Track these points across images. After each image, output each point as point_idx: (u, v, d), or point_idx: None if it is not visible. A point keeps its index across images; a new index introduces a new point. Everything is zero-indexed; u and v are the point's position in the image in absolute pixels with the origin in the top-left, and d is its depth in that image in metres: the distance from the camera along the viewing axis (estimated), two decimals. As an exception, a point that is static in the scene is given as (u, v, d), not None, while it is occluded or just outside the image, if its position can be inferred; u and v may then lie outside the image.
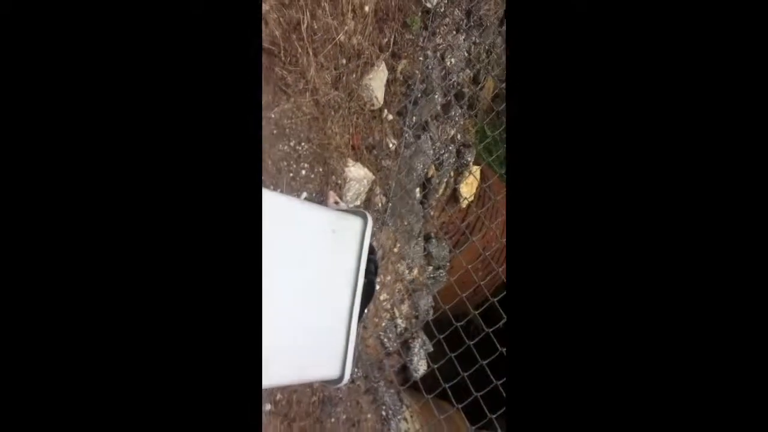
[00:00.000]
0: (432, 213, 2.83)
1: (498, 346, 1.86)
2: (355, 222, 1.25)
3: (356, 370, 2.09)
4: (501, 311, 1.85)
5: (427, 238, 2.76)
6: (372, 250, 1.71)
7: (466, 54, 2.83)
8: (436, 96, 2.55)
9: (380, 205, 2.17)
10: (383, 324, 2.33)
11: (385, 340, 2.36)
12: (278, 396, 1.59)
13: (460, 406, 2.05)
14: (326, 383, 1.20)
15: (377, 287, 2.14)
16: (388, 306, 2.39)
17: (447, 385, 2.16)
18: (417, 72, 2.24)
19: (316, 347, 1.12)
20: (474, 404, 1.99)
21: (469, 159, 2.98)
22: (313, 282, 1.11)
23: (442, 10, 2.45)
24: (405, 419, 2.57)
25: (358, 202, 1.94)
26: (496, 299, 1.87)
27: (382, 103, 1.93)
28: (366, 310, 1.82)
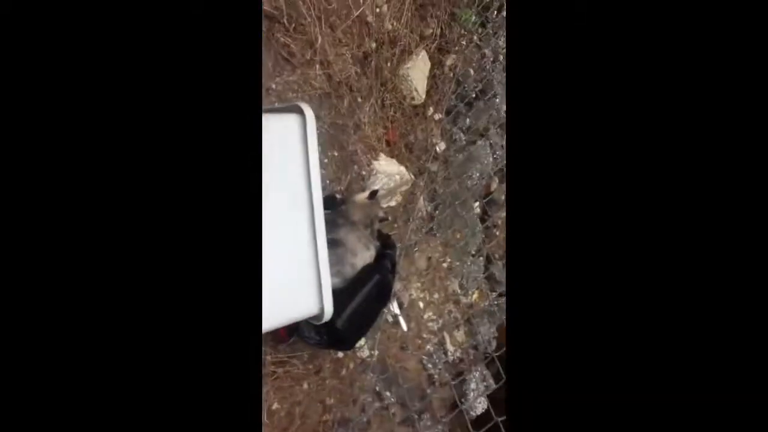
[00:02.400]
0: (497, 232, 2.52)
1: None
2: (287, 122, 0.94)
3: (389, 394, 1.83)
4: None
5: (489, 259, 2.45)
6: (389, 244, 1.49)
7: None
8: (497, 101, 2.31)
9: (424, 211, 1.95)
10: (427, 348, 2.05)
11: (430, 366, 2.07)
12: (275, 405, 1.40)
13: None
14: (310, 321, 1.05)
15: (403, 294, 1.88)
16: (435, 328, 2.11)
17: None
18: (471, 71, 2.03)
19: (284, 284, 0.94)
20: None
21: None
22: None
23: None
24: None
25: (393, 203, 1.74)
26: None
27: (423, 97, 1.74)
28: (384, 311, 1.59)
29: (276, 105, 1.32)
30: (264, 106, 1.14)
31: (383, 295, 1.36)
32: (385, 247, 1.38)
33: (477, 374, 2.33)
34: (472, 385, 2.27)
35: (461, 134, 2.03)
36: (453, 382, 2.18)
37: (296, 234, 0.96)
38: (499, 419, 1.48)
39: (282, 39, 1.27)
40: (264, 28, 1.21)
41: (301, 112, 0.95)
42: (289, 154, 0.94)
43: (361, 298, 1.27)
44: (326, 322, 1.17)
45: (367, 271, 1.30)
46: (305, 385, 1.48)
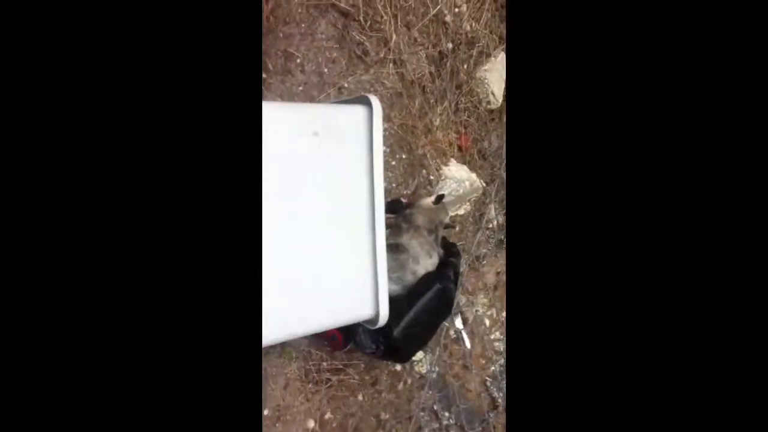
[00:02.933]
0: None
1: None
2: (353, 114, 0.88)
3: (447, 414, 1.71)
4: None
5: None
6: (453, 252, 1.38)
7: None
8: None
9: (495, 222, 1.83)
10: (492, 368, 1.91)
11: (494, 388, 1.92)
12: (327, 414, 1.34)
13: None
14: (366, 326, 1.00)
15: (460, 301, 1.76)
16: (502, 348, 1.96)
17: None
18: (554, 75, 1.90)
19: (339, 285, 0.90)
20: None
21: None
22: (307, 208, 0.84)
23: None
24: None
25: (462, 211, 1.65)
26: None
27: (500, 102, 1.64)
28: (446, 325, 1.48)
29: (344, 98, 1.29)
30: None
31: (444, 305, 1.27)
32: (449, 255, 1.29)
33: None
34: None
35: (540, 143, 1.90)
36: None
37: (355, 233, 0.91)
38: None
39: (357, 37, 1.23)
40: (339, 26, 1.18)
41: (369, 104, 0.89)
42: (353, 148, 0.89)
43: (421, 308, 1.19)
44: (384, 331, 1.11)
45: (428, 279, 1.22)
46: (360, 397, 1.41)
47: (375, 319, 0.95)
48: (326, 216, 0.88)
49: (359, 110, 0.89)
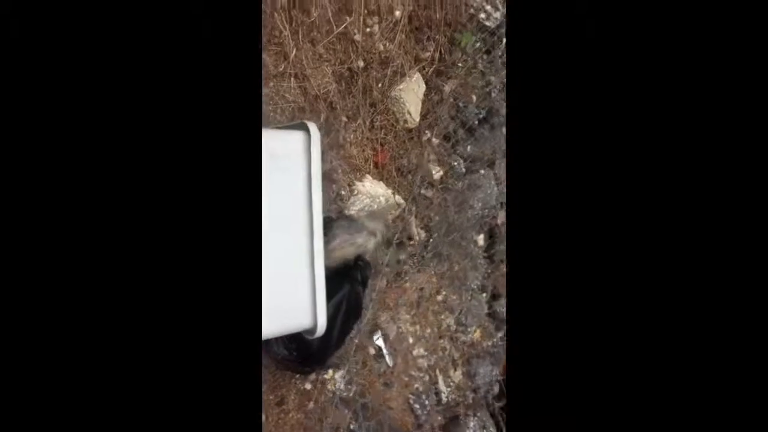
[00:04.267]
0: (504, 268, 2.36)
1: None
2: (295, 138, 0.97)
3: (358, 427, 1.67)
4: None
5: (495, 297, 2.28)
6: (363, 259, 1.41)
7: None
8: (505, 131, 2.19)
9: (417, 239, 1.83)
10: (415, 386, 1.88)
11: (417, 406, 1.90)
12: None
13: None
14: (304, 335, 1.04)
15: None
16: (426, 365, 1.95)
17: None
18: (474, 97, 1.94)
19: (279, 296, 0.94)
20: None
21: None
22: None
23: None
24: None
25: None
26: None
27: (417, 121, 1.66)
28: (356, 328, 1.47)
29: (283, 124, 1.32)
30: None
31: (354, 307, 1.28)
32: (358, 260, 1.31)
33: (476, 421, 2.14)
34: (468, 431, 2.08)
35: (461, 161, 1.93)
36: (447, 427, 2.00)
37: (294, 247, 0.96)
38: None
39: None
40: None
41: (306, 128, 0.98)
42: (295, 170, 0.96)
43: (332, 309, 1.21)
44: (296, 336, 1.12)
45: (336, 282, 1.23)
46: (264, 417, 1.36)
47: (313, 329, 0.99)
48: (268, 230, 0.91)
49: (299, 135, 0.97)
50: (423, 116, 1.69)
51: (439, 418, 2.02)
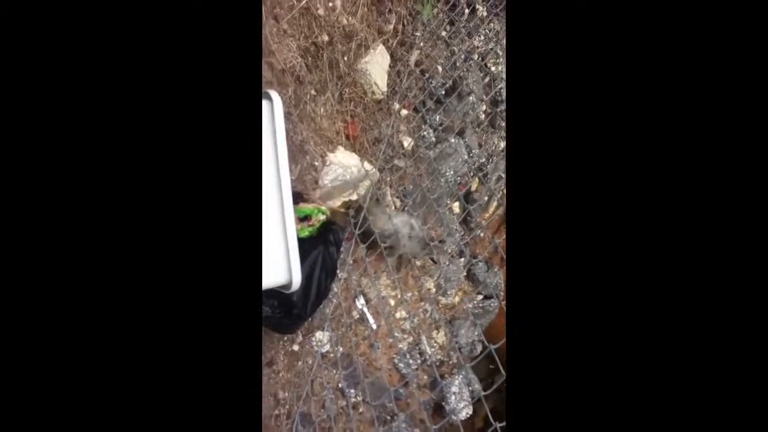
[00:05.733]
0: (480, 233, 2.44)
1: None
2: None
3: (354, 392, 1.76)
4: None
5: (473, 261, 2.37)
6: (337, 223, 1.48)
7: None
8: (472, 99, 2.25)
9: (394, 208, 1.90)
10: (400, 347, 1.97)
11: (402, 365, 1.98)
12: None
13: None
14: (281, 290, 1.09)
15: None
16: (408, 326, 2.03)
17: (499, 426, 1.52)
18: (439, 68, 2.00)
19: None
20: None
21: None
22: None
23: (480, 9, 2.20)
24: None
25: (354, 197, 1.70)
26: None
27: (384, 92, 1.71)
28: (333, 288, 1.54)
29: None
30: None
31: (328, 266, 1.36)
32: (331, 223, 1.38)
33: (460, 378, 2.23)
34: (454, 389, 2.17)
35: (431, 131, 1.99)
36: (434, 385, 2.09)
37: (267, 208, 1.02)
38: (498, 425, 1.31)
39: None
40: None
41: (269, 97, 1.03)
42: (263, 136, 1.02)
43: (308, 268, 1.29)
44: (277, 294, 1.18)
45: (310, 243, 1.31)
46: (255, 377, 1.43)
47: (289, 284, 1.05)
48: None
49: (263, 104, 1.02)
50: (391, 88, 1.74)
51: (425, 376, 2.12)
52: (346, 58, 1.58)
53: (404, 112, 1.84)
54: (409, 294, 2.02)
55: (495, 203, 2.49)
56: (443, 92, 1.98)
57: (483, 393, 2.26)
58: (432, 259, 2.04)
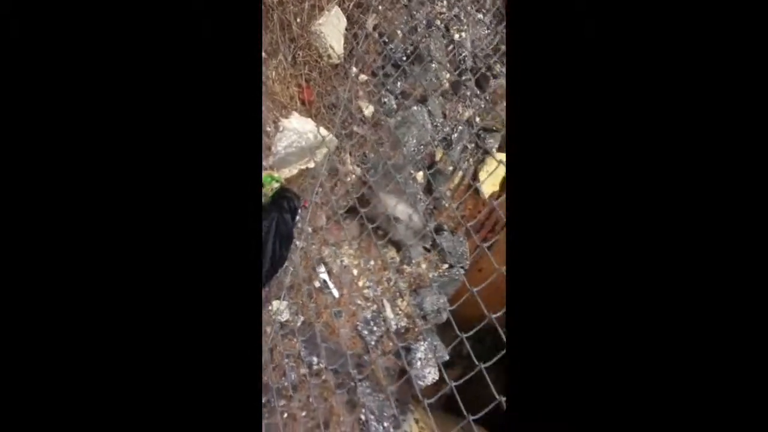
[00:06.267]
0: (446, 204, 2.44)
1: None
2: None
3: (317, 359, 1.76)
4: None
5: (438, 230, 2.37)
6: (290, 190, 1.47)
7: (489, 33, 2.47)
8: (435, 66, 2.22)
9: (354, 176, 1.87)
10: (363, 315, 1.98)
11: (366, 332, 2.00)
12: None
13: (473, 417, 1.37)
14: None
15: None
16: (372, 295, 2.04)
17: (453, 383, 1.51)
18: (399, 32, 1.95)
19: None
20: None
21: (491, 145, 2.56)
22: None
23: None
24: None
25: (311, 165, 1.67)
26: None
27: (340, 56, 1.66)
28: (290, 257, 1.53)
29: None
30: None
31: (284, 235, 1.35)
32: (286, 191, 1.37)
33: (426, 344, 2.26)
34: (420, 354, 2.20)
35: (391, 97, 1.95)
36: (399, 351, 2.11)
37: None
38: (453, 384, 1.31)
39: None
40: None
41: None
42: None
43: (264, 234, 1.29)
44: None
45: (265, 210, 1.29)
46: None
47: None
48: None
49: None
50: (347, 52, 1.69)
51: (391, 344, 2.14)
52: (298, 20, 1.52)
53: (363, 77, 1.80)
54: (372, 262, 2.01)
55: (460, 174, 2.48)
56: (404, 58, 1.94)
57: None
58: (425, 248, 2.05)
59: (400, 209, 1.72)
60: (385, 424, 2.01)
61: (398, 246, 1.97)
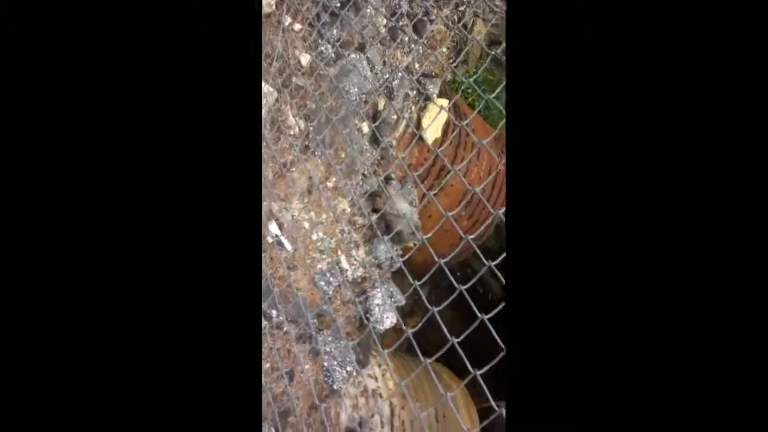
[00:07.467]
0: (392, 152, 2.47)
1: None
2: None
3: (276, 312, 1.80)
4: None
5: (387, 180, 2.40)
6: None
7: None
8: (370, 11, 2.18)
9: (297, 129, 1.85)
10: (319, 266, 2.02)
11: (323, 283, 2.04)
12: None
13: (429, 361, 1.36)
14: None
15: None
16: (324, 247, 2.07)
17: (410, 331, 1.47)
18: (332, -23, 1.89)
19: None
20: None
21: (432, 91, 2.58)
22: None
23: None
24: (373, 376, 2.24)
25: (252, 119, 1.63)
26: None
27: (271, 4, 1.60)
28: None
29: None
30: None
31: None
32: None
33: (383, 290, 2.34)
34: (377, 301, 2.28)
35: (329, 46, 1.91)
36: (356, 299, 2.17)
37: None
38: (410, 330, 1.30)
39: None
40: None
41: None
42: None
43: None
44: None
45: None
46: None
47: None
48: None
49: None
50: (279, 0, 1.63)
51: (348, 293, 2.20)
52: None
53: (297, 26, 1.74)
54: (324, 216, 2.03)
55: (403, 123, 2.50)
56: (338, 4, 1.89)
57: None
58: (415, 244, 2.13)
59: (404, 206, 1.75)
60: (349, 368, 2.09)
61: (312, 184, 2.00)
